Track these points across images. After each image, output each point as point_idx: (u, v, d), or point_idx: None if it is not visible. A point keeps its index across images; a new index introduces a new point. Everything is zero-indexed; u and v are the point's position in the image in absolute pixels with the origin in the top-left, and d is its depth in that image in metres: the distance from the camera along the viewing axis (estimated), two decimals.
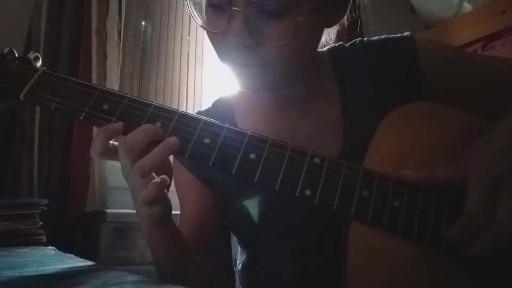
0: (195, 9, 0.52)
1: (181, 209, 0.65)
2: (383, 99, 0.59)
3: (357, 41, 0.66)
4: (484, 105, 0.61)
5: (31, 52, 0.55)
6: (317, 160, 0.45)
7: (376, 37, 0.66)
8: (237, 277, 0.68)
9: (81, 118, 0.47)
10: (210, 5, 0.51)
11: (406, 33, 0.64)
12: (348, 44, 0.66)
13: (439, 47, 0.65)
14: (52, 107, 0.48)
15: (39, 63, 0.55)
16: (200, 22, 0.52)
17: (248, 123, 0.62)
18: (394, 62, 0.61)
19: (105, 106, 0.47)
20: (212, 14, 0.51)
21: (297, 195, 0.43)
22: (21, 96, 0.49)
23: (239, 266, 0.68)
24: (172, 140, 0.45)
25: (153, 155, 0.44)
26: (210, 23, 0.52)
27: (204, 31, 0.55)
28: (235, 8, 0.47)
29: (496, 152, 0.41)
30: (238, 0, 0.47)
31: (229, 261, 0.65)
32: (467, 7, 1.66)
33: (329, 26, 0.59)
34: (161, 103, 0.48)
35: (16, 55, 0.55)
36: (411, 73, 0.60)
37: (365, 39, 0.66)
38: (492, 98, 0.61)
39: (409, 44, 0.62)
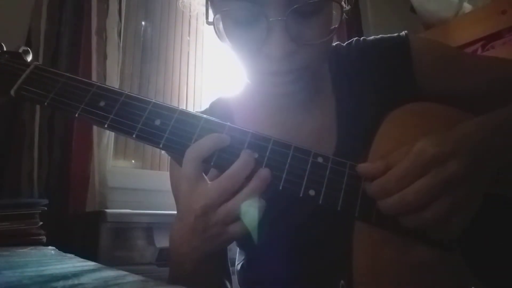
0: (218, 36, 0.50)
1: (177, 210, 0.64)
2: (376, 99, 0.59)
3: (353, 41, 0.66)
4: (481, 104, 0.61)
5: (21, 47, 0.53)
6: (320, 159, 0.44)
7: (372, 37, 0.66)
8: (234, 277, 0.67)
9: (76, 115, 0.45)
10: (237, 23, 0.49)
11: (402, 33, 0.64)
12: (345, 44, 0.66)
13: (433, 46, 0.65)
14: (46, 103, 0.46)
15: (29, 58, 0.53)
16: (228, 43, 0.50)
17: (247, 125, 0.62)
18: (388, 61, 0.61)
19: (102, 103, 0.45)
20: (241, 31, 0.49)
21: (301, 195, 0.43)
22: (12, 92, 0.47)
23: (237, 267, 0.68)
24: (265, 173, 0.42)
25: (247, 195, 0.42)
26: (239, 42, 0.50)
27: (203, 36, 0.54)
28: (274, 19, 0.46)
29: (446, 138, 0.42)
30: (275, 11, 0.46)
31: (226, 262, 0.65)
32: (467, 7, 1.66)
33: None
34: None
35: (5, 49, 0.52)
36: (405, 72, 0.60)
37: (361, 39, 0.66)
38: (490, 97, 0.60)
39: (403, 44, 0.62)
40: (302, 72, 0.51)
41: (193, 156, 0.42)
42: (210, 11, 0.54)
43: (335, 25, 0.51)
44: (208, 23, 0.51)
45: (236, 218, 0.43)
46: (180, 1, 0.64)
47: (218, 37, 0.51)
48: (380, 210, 0.42)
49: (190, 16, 0.64)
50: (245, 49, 0.50)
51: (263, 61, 0.50)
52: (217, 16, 0.49)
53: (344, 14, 0.50)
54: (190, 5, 0.62)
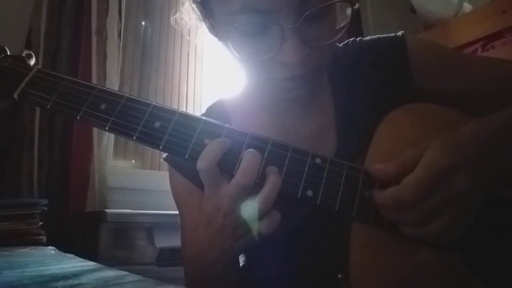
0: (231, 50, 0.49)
1: (183, 219, 0.63)
2: (374, 99, 0.59)
3: (350, 42, 0.66)
4: (479, 104, 0.61)
5: (24, 51, 0.54)
6: (318, 160, 0.44)
7: (368, 37, 0.66)
8: None
9: (78, 118, 0.46)
10: (248, 35, 0.48)
11: (399, 33, 0.64)
12: (341, 44, 0.66)
13: (430, 46, 0.64)
14: (48, 106, 0.47)
15: (32, 61, 0.54)
16: (239, 56, 0.50)
17: (245, 128, 0.61)
18: (385, 62, 0.61)
19: (103, 106, 0.46)
20: (252, 42, 0.49)
21: (298, 196, 0.43)
22: (15, 95, 0.47)
23: None
24: (275, 178, 0.42)
25: (267, 198, 0.42)
26: (250, 53, 0.49)
27: (203, 36, 0.53)
28: (287, 26, 0.46)
29: (451, 145, 0.42)
30: (288, 18, 0.46)
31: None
32: (467, 7, 1.66)
33: None
34: (161, 103, 0.47)
35: (9, 53, 0.53)
36: (403, 72, 0.60)
37: (358, 39, 0.66)
38: (487, 98, 0.60)
39: (400, 44, 0.62)
40: (313, 75, 0.51)
41: (206, 165, 0.43)
42: (209, 25, 0.54)
43: (343, 23, 0.51)
44: (221, 40, 0.51)
45: (261, 214, 0.43)
46: (172, 18, 0.64)
47: (228, 52, 0.51)
48: (387, 218, 0.43)
49: (189, 31, 0.63)
50: (257, 59, 0.49)
51: (277, 69, 0.49)
52: (228, 32, 0.48)
53: (352, 11, 0.50)
54: (184, 21, 0.62)
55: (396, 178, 0.42)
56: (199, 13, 0.55)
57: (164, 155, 0.65)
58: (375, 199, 0.42)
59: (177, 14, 0.63)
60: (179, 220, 0.64)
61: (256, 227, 0.43)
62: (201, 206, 0.55)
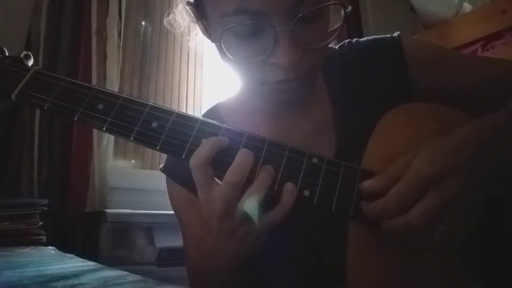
0: (223, 51, 0.49)
1: (185, 230, 0.63)
2: (372, 99, 0.59)
3: (346, 43, 0.66)
4: (477, 104, 0.60)
5: (22, 51, 0.54)
6: (315, 160, 0.45)
7: (365, 38, 0.66)
8: None
9: (75, 118, 0.46)
10: (241, 37, 0.48)
11: (395, 33, 0.64)
12: (337, 46, 0.66)
13: (426, 46, 0.65)
14: (45, 107, 0.47)
15: (30, 62, 0.54)
16: (232, 58, 0.50)
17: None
18: (382, 62, 0.61)
19: (100, 106, 0.46)
20: (245, 44, 0.49)
21: (295, 195, 0.43)
22: (13, 96, 0.48)
23: None
24: (268, 167, 0.43)
25: (257, 188, 0.42)
26: (243, 55, 0.49)
27: (203, 36, 0.53)
28: (280, 29, 0.46)
29: (441, 151, 0.41)
30: (281, 21, 0.46)
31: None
32: (467, 7, 1.66)
33: None
34: (161, 103, 0.47)
35: (7, 54, 0.53)
36: (399, 73, 0.60)
37: (354, 40, 0.66)
38: (485, 97, 0.60)
39: (396, 44, 0.62)
40: (306, 77, 0.51)
41: (198, 162, 0.42)
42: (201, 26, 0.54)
43: (335, 26, 0.51)
44: (214, 42, 0.51)
45: (256, 212, 0.43)
46: (165, 19, 0.64)
47: (221, 54, 0.50)
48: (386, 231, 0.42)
49: (188, 33, 0.64)
50: (250, 61, 0.49)
51: (270, 71, 0.49)
52: (221, 33, 0.48)
53: (344, 14, 0.50)
54: (177, 23, 0.62)
55: (387, 190, 0.42)
56: (192, 14, 0.55)
57: (161, 166, 0.65)
58: (365, 210, 0.42)
59: (170, 16, 0.63)
60: (180, 231, 0.64)
61: (257, 225, 0.43)
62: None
